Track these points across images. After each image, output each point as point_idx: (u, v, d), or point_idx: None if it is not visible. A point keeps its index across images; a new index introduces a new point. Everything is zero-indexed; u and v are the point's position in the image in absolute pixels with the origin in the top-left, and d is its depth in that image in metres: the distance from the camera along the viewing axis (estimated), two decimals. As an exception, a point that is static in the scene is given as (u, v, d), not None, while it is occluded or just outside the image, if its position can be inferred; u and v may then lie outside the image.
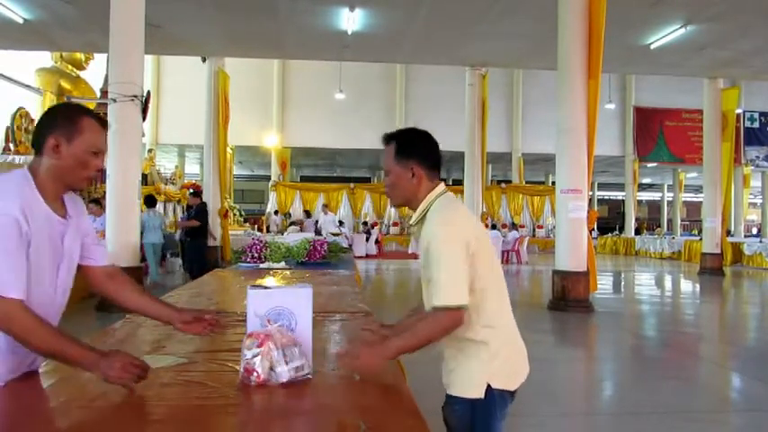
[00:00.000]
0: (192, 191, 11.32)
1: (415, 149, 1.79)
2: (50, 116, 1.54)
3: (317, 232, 12.87)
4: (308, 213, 18.79)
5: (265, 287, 1.59)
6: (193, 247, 9.90)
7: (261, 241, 4.80)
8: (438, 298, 1.60)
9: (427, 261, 1.67)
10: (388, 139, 1.82)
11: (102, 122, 1.58)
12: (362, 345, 1.70)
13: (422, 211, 1.77)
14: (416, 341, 1.62)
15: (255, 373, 1.43)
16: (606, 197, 39.42)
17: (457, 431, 1.76)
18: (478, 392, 1.69)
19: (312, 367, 1.52)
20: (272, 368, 1.44)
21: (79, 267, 1.66)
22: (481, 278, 1.66)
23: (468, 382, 1.72)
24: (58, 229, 1.51)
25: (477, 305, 1.68)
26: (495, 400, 1.70)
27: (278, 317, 1.53)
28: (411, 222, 1.83)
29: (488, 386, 1.69)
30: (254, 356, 1.44)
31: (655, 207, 39.37)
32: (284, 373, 1.44)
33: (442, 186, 1.80)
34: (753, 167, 23.05)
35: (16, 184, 1.44)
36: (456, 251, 1.62)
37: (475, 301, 1.66)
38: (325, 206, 18.77)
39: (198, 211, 9.73)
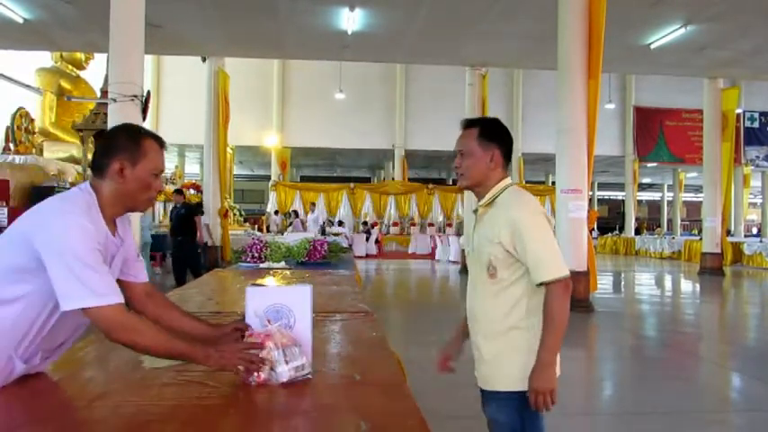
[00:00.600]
0: (175, 189, 11.03)
1: (498, 136, 1.84)
2: (113, 139, 1.54)
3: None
4: (295, 213, 18.70)
5: (264, 286, 1.59)
6: (188, 248, 9.45)
7: (261, 241, 4.80)
8: (547, 273, 1.66)
9: (516, 243, 1.70)
10: (471, 123, 1.87)
11: (161, 142, 1.59)
12: (532, 381, 1.70)
13: (492, 195, 1.81)
14: (558, 328, 1.67)
15: (256, 373, 1.43)
16: (606, 197, 39.42)
17: (505, 428, 1.76)
18: (520, 385, 1.70)
19: (312, 366, 1.52)
20: (272, 368, 1.44)
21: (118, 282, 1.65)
22: None
23: (512, 375, 1.72)
24: (111, 250, 1.52)
25: (531, 292, 1.72)
26: None
27: (276, 315, 1.52)
28: (480, 204, 1.87)
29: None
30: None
31: (655, 207, 39.36)
32: (285, 372, 1.44)
33: (510, 179, 1.87)
34: (753, 167, 23.05)
35: (85, 202, 1.46)
36: (547, 228, 1.72)
37: (531, 288, 1.71)
38: (313, 204, 18.78)
39: (189, 210, 9.47)
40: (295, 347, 1.47)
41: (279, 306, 1.52)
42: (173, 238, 9.53)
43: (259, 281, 3.72)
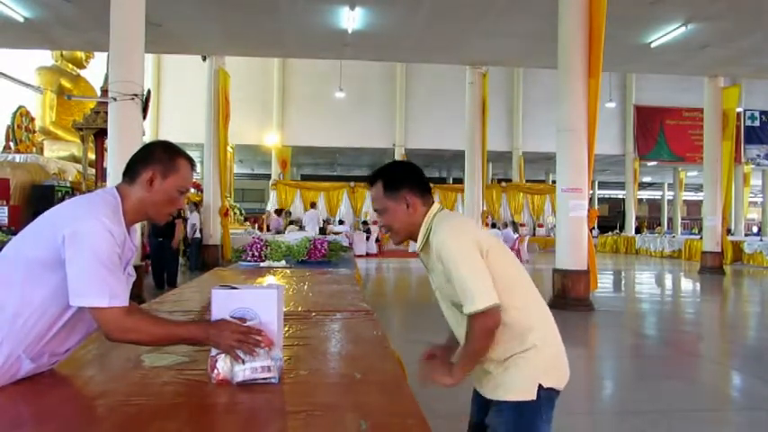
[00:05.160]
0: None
1: (403, 179, 1.75)
2: (149, 151, 1.60)
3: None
4: (288, 213, 18.23)
5: (232, 287, 1.57)
6: (169, 251, 9.37)
7: (261, 240, 4.81)
8: (472, 304, 1.56)
9: (446, 274, 1.63)
10: (373, 178, 1.78)
11: (193, 164, 1.66)
12: (436, 365, 1.72)
13: (424, 235, 1.72)
14: (474, 356, 1.64)
15: (215, 371, 1.43)
16: (607, 196, 39.39)
17: None
18: (530, 394, 1.64)
19: (279, 371, 1.46)
20: (232, 366, 1.43)
21: None
22: (502, 278, 1.62)
23: (517, 384, 1.66)
24: (126, 256, 1.56)
25: (505, 306, 1.62)
26: (543, 401, 1.66)
27: (243, 317, 1.49)
28: (417, 249, 1.77)
29: (540, 386, 1.65)
30: (219, 353, 1.44)
31: (655, 206, 39.32)
32: (239, 372, 1.42)
33: (437, 205, 1.77)
34: (753, 166, 23.01)
35: (112, 207, 1.49)
36: (472, 253, 1.60)
37: (502, 302, 1.61)
38: (313, 204, 18.27)
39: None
40: (261, 348, 1.44)
41: (244, 310, 1.49)
42: (153, 238, 9.29)
43: (259, 280, 3.72)
